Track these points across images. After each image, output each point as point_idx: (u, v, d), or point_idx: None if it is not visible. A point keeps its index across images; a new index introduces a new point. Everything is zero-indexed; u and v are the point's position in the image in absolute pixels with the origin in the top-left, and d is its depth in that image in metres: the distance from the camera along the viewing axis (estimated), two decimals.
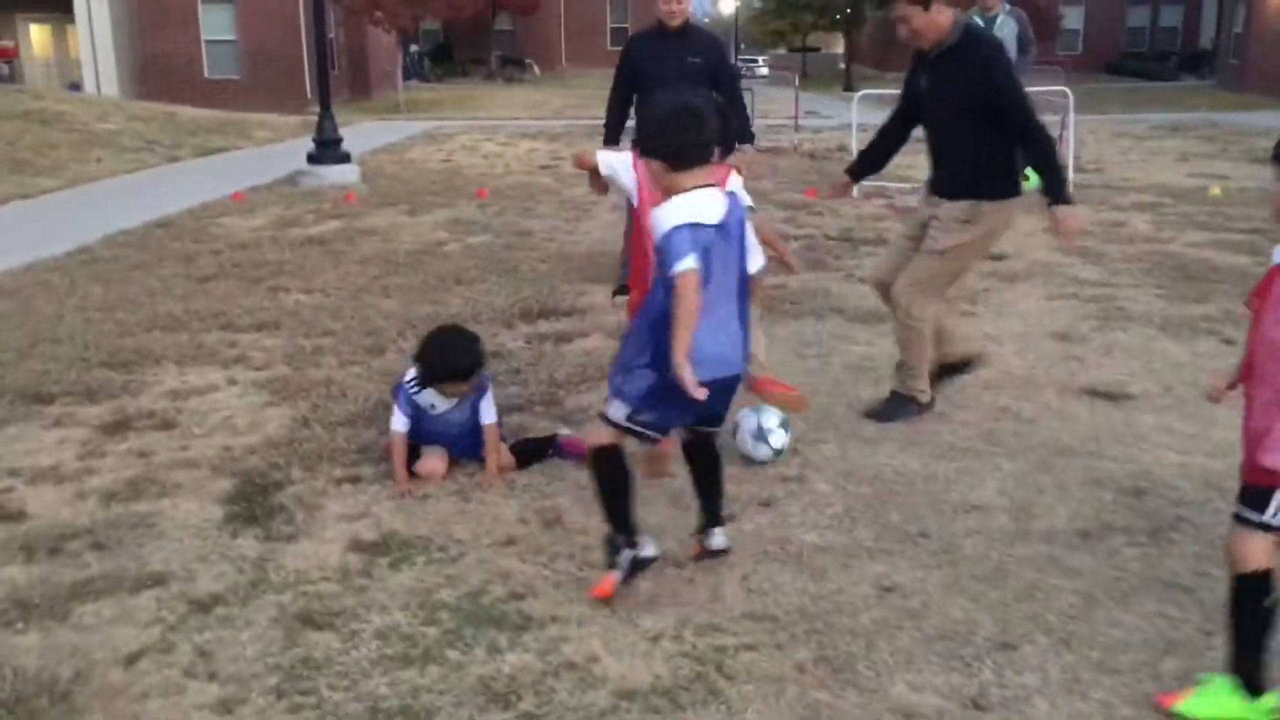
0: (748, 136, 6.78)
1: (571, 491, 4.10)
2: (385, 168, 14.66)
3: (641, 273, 3.90)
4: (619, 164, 4.18)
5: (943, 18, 4.47)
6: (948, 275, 4.74)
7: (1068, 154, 11.94)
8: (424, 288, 7.41)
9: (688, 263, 2.97)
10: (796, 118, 19.47)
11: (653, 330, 3.12)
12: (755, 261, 3.37)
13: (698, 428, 3.44)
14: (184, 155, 16.63)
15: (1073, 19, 43.61)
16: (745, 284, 3.26)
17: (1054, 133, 12.60)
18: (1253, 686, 2.72)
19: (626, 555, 3.31)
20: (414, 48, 44.46)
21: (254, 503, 4.02)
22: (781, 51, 65.41)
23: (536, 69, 48.23)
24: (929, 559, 3.61)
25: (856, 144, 12.55)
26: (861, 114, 12.19)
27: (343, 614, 3.26)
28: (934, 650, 3.07)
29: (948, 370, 5.01)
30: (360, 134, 19.04)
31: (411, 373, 4.25)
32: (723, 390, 3.21)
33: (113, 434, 4.74)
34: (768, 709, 2.80)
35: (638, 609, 3.28)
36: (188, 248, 8.92)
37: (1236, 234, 9.19)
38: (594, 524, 3.83)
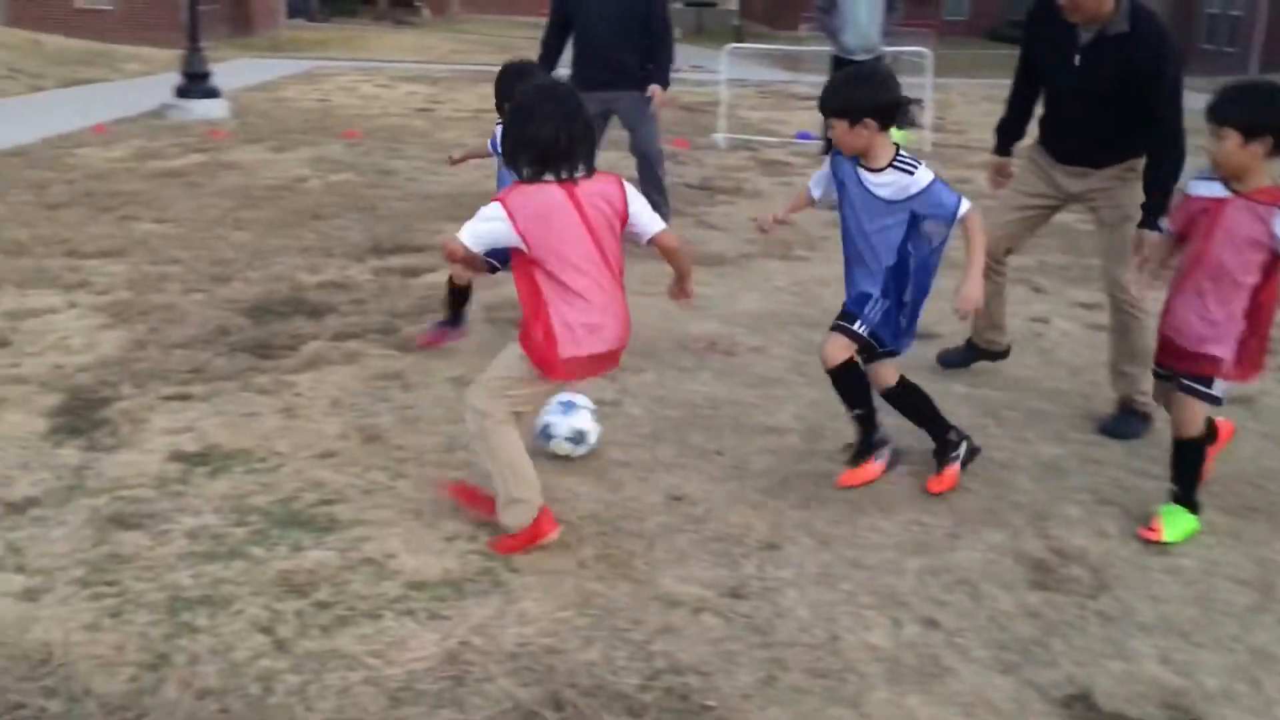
0: (665, 79, 7.09)
1: (395, 411, 4.29)
2: (257, 105, 14.45)
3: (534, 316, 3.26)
4: (485, 224, 3.23)
5: None
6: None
7: (928, 115, 12.41)
8: (278, 222, 7.46)
9: (968, 202, 3.56)
10: (678, 70, 19.70)
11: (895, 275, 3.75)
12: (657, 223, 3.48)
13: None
14: (48, 85, 16.11)
15: None
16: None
17: (919, 94, 13.05)
18: (1194, 508, 3.59)
19: (965, 445, 3.87)
20: None
21: (80, 416, 4.13)
22: (678, 5, 65.32)
23: (427, 11, 47.40)
24: (720, 473, 3.90)
25: (726, 97, 12.87)
26: (731, 67, 12.46)
27: (155, 516, 3.41)
28: (707, 550, 3.37)
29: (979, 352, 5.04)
30: (236, 70, 18.63)
31: None
32: None
33: None
34: (544, 596, 3.06)
35: (443, 516, 3.50)
36: (41, 176, 8.77)
37: None
38: (412, 440, 4.06)
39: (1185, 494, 3.58)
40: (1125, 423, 4.42)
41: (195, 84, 13.02)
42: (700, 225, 7.94)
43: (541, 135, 3.15)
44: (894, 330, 3.79)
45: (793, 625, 2.97)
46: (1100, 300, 4.95)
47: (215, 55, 13.67)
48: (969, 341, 5.09)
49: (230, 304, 5.57)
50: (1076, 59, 4.29)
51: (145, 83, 16.96)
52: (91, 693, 2.59)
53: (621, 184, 3.32)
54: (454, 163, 5.67)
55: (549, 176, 3.18)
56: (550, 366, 3.22)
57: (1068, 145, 4.52)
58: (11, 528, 3.31)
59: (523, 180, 3.21)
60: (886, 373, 3.88)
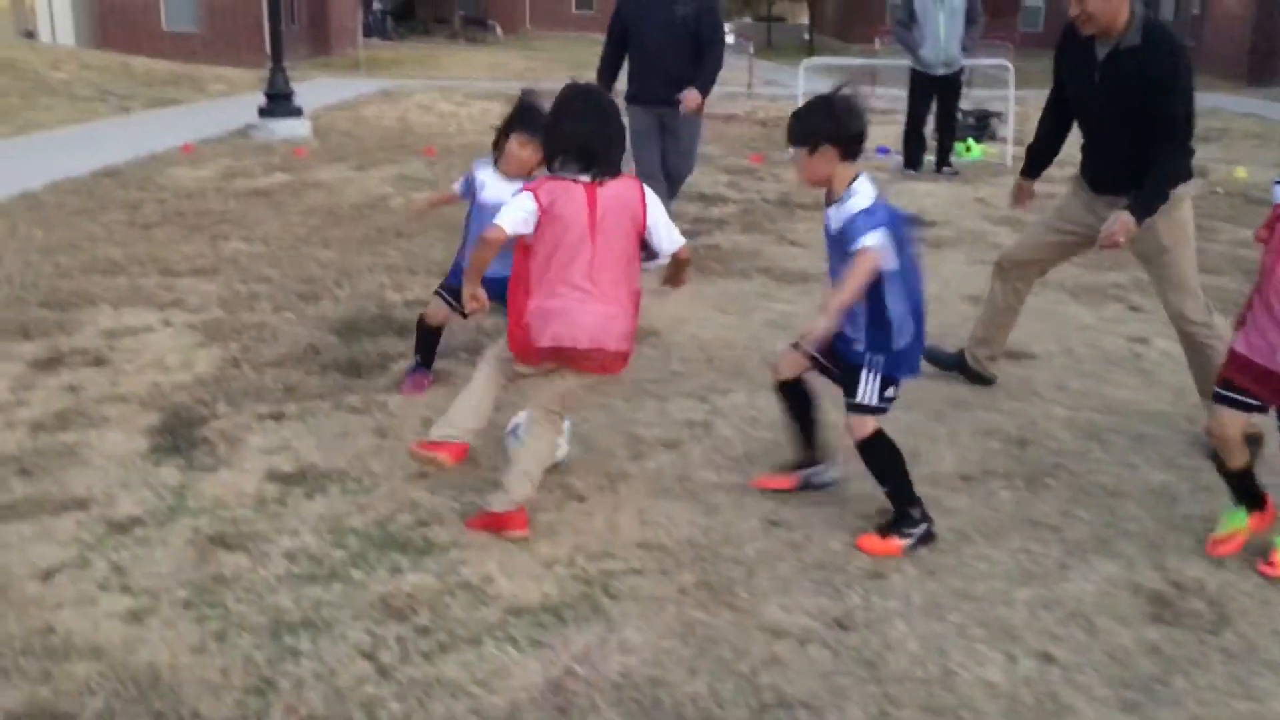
0: (705, 85, 7.04)
1: (487, 434, 4.26)
2: (338, 124, 14.65)
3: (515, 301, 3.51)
4: (519, 212, 3.40)
5: (1121, 8, 4.12)
6: (1191, 265, 4.39)
7: (1009, 129, 12.21)
8: (364, 239, 7.53)
9: (878, 238, 3.28)
10: (750, 85, 19.63)
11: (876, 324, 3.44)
12: (675, 240, 3.59)
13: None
14: (137, 106, 16.50)
15: None
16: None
17: (999, 106, 12.86)
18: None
19: (923, 528, 3.48)
20: (376, 5, 44.05)
21: (178, 435, 4.17)
22: (747, 20, 65.35)
23: (499, 30, 47.92)
24: (818, 497, 3.82)
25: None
26: (808, 82, 12.36)
27: (255, 537, 3.42)
28: (809, 577, 3.29)
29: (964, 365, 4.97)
30: (316, 90, 18.96)
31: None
32: None
33: (45, 369, 4.85)
34: (646, 625, 3.01)
35: (537, 538, 3.46)
36: (133, 196, 8.96)
37: None
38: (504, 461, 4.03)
39: None
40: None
41: (278, 104, 13.24)
42: (782, 241, 7.86)
43: (578, 133, 3.40)
44: (896, 381, 3.54)
45: (903, 659, 2.89)
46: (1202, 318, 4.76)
47: (295, 75, 13.95)
48: (961, 351, 5.02)
49: (320, 322, 5.61)
50: (1096, 76, 4.29)
51: (229, 103, 17.31)
52: (199, 716, 2.58)
53: (642, 191, 3.49)
54: (414, 211, 5.17)
55: (584, 177, 3.39)
56: (522, 351, 3.49)
57: (1098, 170, 4.50)
58: (116, 547, 3.35)
59: (552, 174, 3.44)
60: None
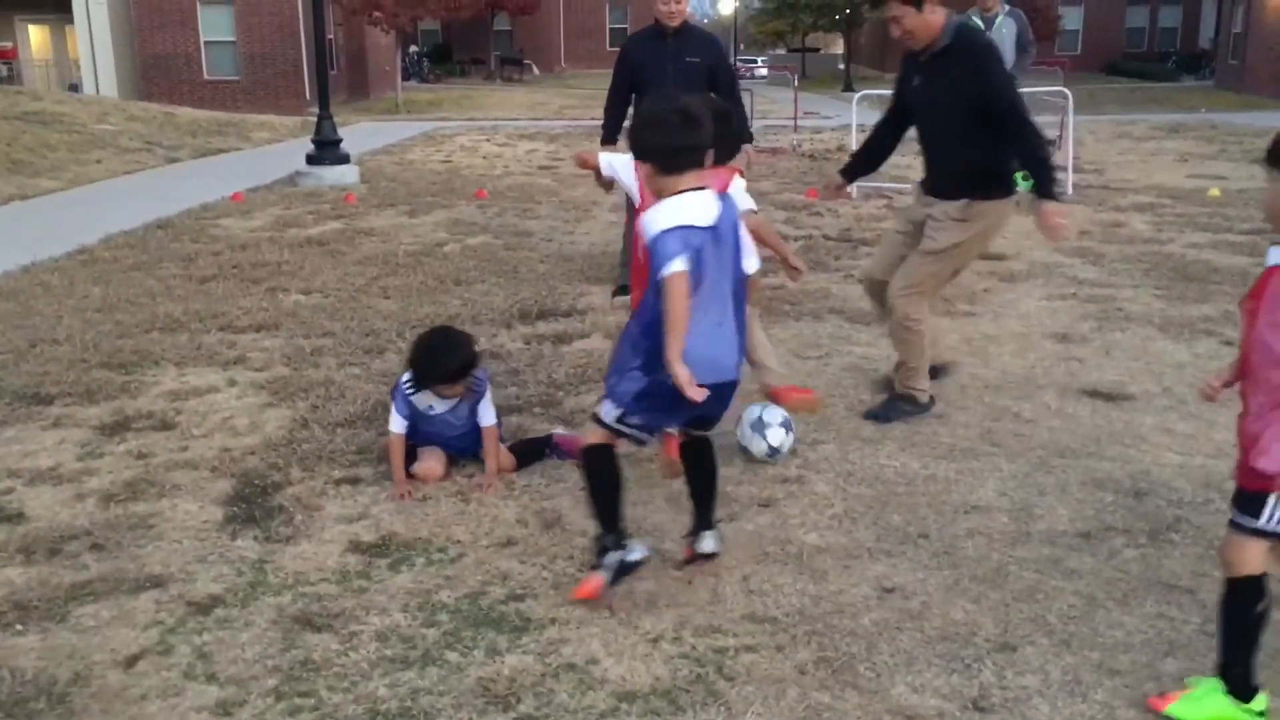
0: (746, 136, 6.86)
1: (571, 493, 4.08)
2: (385, 168, 14.65)
3: (642, 272, 3.83)
4: (620, 164, 4.43)
5: (935, 18, 4.48)
6: (943, 275, 4.82)
7: (1068, 155, 11.96)
8: (423, 289, 7.40)
9: (676, 265, 2.99)
10: (795, 118, 19.46)
11: (645, 333, 3.17)
12: (751, 263, 3.38)
13: (690, 430, 3.45)
14: (183, 156, 16.61)
15: (1072, 19, 43.64)
16: (741, 288, 3.27)
17: (1053, 133, 12.64)
18: (1243, 689, 2.73)
19: (614, 558, 3.31)
20: (413, 48, 44.49)
21: (253, 504, 4.02)
22: (780, 52, 65.47)
23: (535, 69, 48.23)
24: (929, 560, 3.60)
25: (855, 144, 12.57)
26: (861, 114, 12.20)
27: (341, 615, 3.25)
28: (935, 651, 3.07)
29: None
30: (359, 135, 19.02)
31: (408, 375, 4.23)
32: (715, 394, 3.14)
33: (112, 435, 4.73)
34: (768, 710, 2.79)
35: (637, 611, 3.27)
36: (187, 248, 8.91)
37: (1236, 235, 9.20)
38: (593, 526, 3.84)
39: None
40: (886, 408, 4.88)
41: (326, 151, 13.25)
42: (849, 279, 7.65)
43: (655, 141, 3.27)
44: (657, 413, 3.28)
45: None
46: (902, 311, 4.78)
47: (336, 120, 13.96)
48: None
49: (386, 378, 5.45)
50: (918, 81, 4.66)
51: (274, 150, 17.39)
52: None
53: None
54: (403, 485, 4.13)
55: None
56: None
57: (927, 173, 4.81)
58: (198, 630, 3.18)
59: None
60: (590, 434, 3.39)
